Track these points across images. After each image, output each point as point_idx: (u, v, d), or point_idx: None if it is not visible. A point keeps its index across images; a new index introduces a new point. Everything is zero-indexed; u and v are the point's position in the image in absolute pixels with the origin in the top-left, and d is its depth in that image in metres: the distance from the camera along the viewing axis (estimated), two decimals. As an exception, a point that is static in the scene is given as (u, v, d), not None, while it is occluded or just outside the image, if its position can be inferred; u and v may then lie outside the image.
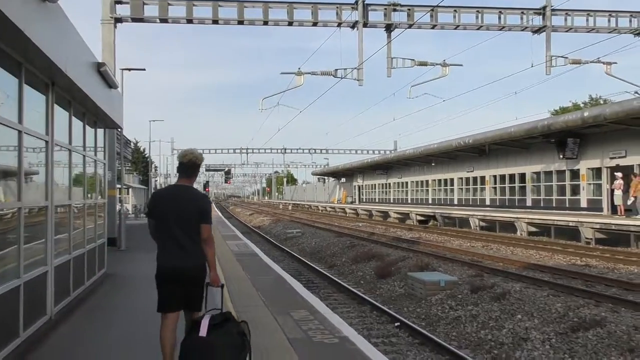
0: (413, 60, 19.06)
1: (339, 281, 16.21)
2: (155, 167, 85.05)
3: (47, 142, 6.80)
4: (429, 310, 12.01)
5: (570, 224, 23.01)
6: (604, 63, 19.21)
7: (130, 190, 51.93)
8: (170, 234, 4.83)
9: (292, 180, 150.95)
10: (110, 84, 9.33)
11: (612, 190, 25.49)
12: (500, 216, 28.81)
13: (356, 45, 18.03)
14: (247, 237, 25.67)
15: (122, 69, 17.83)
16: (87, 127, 9.38)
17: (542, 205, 31.76)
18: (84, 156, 8.93)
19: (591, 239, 21.67)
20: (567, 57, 18.72)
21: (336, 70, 18.85)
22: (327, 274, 17.59)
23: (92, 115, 9.60)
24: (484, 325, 10.47)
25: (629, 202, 23.03)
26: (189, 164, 5.01)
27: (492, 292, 11.79)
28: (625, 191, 23.35)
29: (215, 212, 54.95)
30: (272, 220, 47.23)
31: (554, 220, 24.40)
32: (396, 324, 11.17)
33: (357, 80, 18.44)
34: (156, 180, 75.71)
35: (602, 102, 64.98)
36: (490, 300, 11.39)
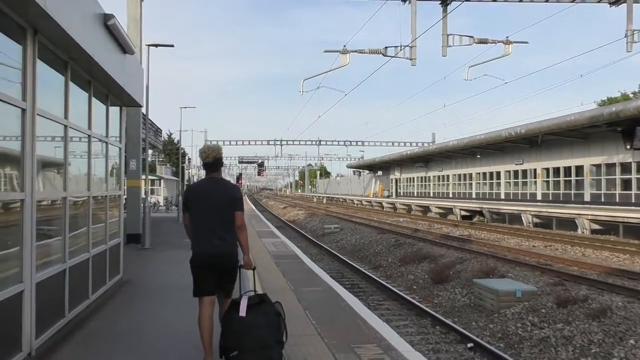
0: (472, 37, 16.86)
1: (389, 286, 14.25)
2: (189, 158, 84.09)
3: (23, 109, 4.93)
4: (505, 327, 9.94)
5: (645, 221, 20.55)
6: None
7: (162, 181, 50.73)
8: (206, 223, 5.14)
9: (325, 173, 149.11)
10: (123, 46, 7.44)
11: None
12: (557, 212, 26.38)
13: (408, 21, 15.95)
14: (282, 232, 23.87)
15: (149, 45, 16.05)
16: (96, 101, 7.57)
17: (602, 200, 29.16)
18: (89, 136, 7.12)
19: (670, 238, 19.22)
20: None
21: (386, 48, 16.74)
22: (374, 277, 15.66)
23: (102, 86, 7.79)
24: (584, 351, 8.37)
25: None
26: (214, 162, 5.33)
27: (585, 307, 9.65)
28: None
29: (248, 204, 53.47)
30: (306, 214, 45.44)
31: (623, 217, 21.95)
32: (469, 345, 9.17)
33: (410, 59, 16.30)
34: (189, 172, 74.63)
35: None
36: (585, 318, 9.26)
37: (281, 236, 18.52)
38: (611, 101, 62.91)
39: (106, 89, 7.97)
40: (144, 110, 16.57)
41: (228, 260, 5.16)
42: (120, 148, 9.16)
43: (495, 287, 11.03)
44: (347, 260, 19.03)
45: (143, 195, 16.77)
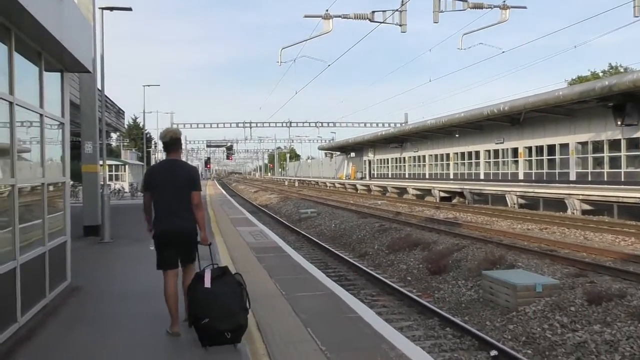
0: (466, 1, 15.24)
1: (381, 278, 12.75)
2: (155, 142, 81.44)
3: None
4: (528, 328, 8.48)
5: (642, 201, 19.40)
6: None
7: (127, 166, 48.34)
8: (166, 201, 5.55)
9: (295, 156, 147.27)
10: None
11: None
12: (545, 192, 25.20)
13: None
14: (257, 218, 22.16)
15: (102, 8, 14.00)
16: (22, 60, 5.77)
17: (589, 179, 28.08)
18: (10, 104, 5.29)
19: (670, 219, 18.11)
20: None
21: (373, 12, 14.97)
22: (362, 267, 14.15)
23: (32, 40, 5.97)
24: (635, 360, 6.96)
25: None
26: (172, 141, 5.74)
27: (625, 305, 8.23)
28: None
29: (219, 189, 51.44)
30: (279, 198, 43.71)
31: (617, 196, 20.81)
32: (492, 354, 7.70)
33: (399, 25, 14.65)
34: (155, 156, 72.02)
35: (622, 70, 61.02)
36: (628, 319, 7.84)
37: (258, 224, 16.81)
38: (582, 80, 62.28)
39: (38, 44, 6.14)
40: (99, 84, 14.61)
41: (188, 236, 5.59)
42: (62, 124, 7.30)
43: (512, 281, 9.55)
44: (330, 248, 17.49)
45: (102, 182, 14.85)
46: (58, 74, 7.29)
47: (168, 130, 5.82)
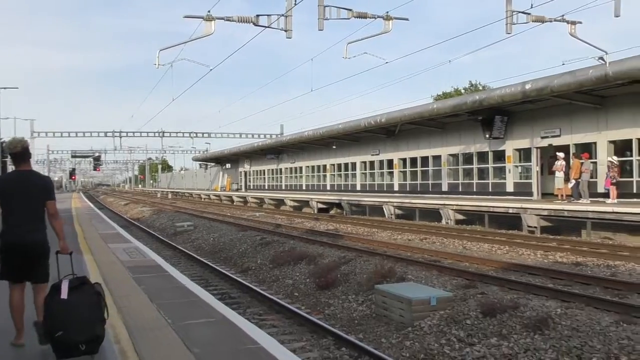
0: (350, 10, 15.09)
1: (267, 294, 12.11)
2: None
3: None
4: (425, 344, 8.22)
5: (510, 210, 20.39)
6: (568, 22, 16.53)
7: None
8: (18, 213, 5.35)
9: (167, 167, 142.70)
10: None
11: (548, 174, 23.45)
12: (421, 203, 25.90)
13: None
14: (129, 232, 20.64)
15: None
16: None
17: (460, 190, 29.28)
18: None
19: (535, 227, 19.16)
20: (529, 14, 15.81)
21: (257, 16, 14.30)
22: (245, 283, 13.44)
23: None
24: (535, 374, 6.88)
25: (570, 186, 20.85)
26: (23, 151, 5.56)
27: (518, 316, 8.21)
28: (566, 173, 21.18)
29: (85, 202, 48.14)
30: (152, 210, 41.69)
31: (488, 206, 21.76)
32: (394, 375, 7.35)
33: (285, 30, 14.10)
34: (12, 168, 66.21)
35: (480, 88, 65.18)
36: (523, 330, 7.80)
37: (133, 240, 15.48)
38: (446, 95, 65.72)
39: None
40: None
41: (40, 247, 5.44)
42: None
43: (406, 295, 9.29)
44: (209, 263, 16.60)
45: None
46: None
47: (17, 140, 5.70)
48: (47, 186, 5.58)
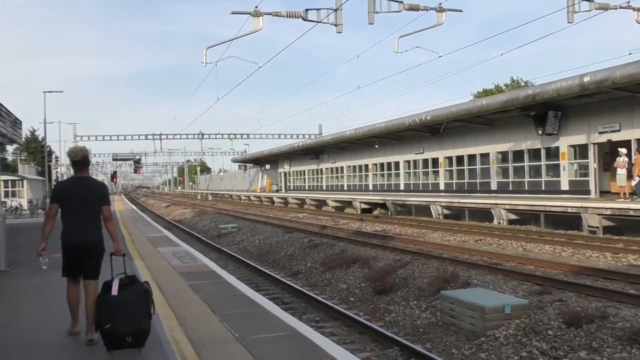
0: (401, 2, 14.42)
1: (321, 299, 11.59)
2: (56, 157, 76.53)
3: None
4: (503, 356, 7.57)
5: (569, 209, 19.40)
6: (634, 9, 15.57)
7: (24, 182, 44.50)
8: (76, 216, 5.81)
9: (205, 169, 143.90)
10: None
11: (603, 171, 22.35)
12: (471, 203, 25.01)
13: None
14: (175, 235, 20.35)
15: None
16: None
17: (510, 188, 28.26)
18: None
19: (597, 227, 18.13)
20: (592, 1, 14.89)
21: (307, 10, 13.76)
22: (297, 287, 12.94)
23: None
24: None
25: (633, 183, 19.73)
26: (83, 159, 6.06)
27: (609, 327, 7.47)
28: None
29: (128, 204, 48.56)
30: (194, 212, 41.72)
31: (544, 206, 20.79)
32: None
33: (335, 25, 13.57)
34: (57, 171, 67.42)
35: (522, 84, 63.40)
36: (617, 343, 7.07)
37: (182, 243, 15.14)
38: (486, 93, 64.17)
39: None
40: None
41: (96, 247, 5.85)
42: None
43: (477, 302, 8.62)
44: (257, 266, 16.18)
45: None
46: None
47: (78, 149, 6.20)
48: (102, 192, 6.07)
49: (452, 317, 9.12)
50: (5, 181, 40.12)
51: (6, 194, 38.97)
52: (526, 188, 27.28)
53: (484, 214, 23.97)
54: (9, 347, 5.73)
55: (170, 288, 8.19)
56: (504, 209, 22.54)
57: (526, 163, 27.56)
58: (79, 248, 5.78)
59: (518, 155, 28.03)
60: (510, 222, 22.35)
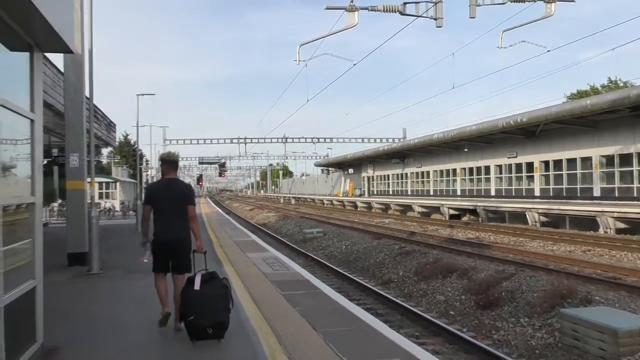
0: (506, -7, 13.39)
1: (421, 313, 10.73)
2: (147, 160, 79.16)
3: None
4: (644, 389, 6.45)
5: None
6: None
7: (118, 184, 46.05)
8: (166, 215, 6.37)
9: (288, 173, 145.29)
10: None
11: None
12: (572, 210, 23.28)
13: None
14: (261, 238, 20.03)
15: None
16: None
17: (616, 195, 26.18)
18: None
19: None
20: None
21: (404, 4, 12.97)
22: (391, 297, 12.13)
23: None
24: None
25: None
26: (174, 162, 6.77)
27: None
28: None
29: (213, 207, 49.27)
30: (277, 216, 41.61)
31: (659, 214, 18.93)
32: None
33: (435, 19, 12.73)
34: (147, 174, 69.70)
35: (621, 85, 59.43)
36: None
37: (270, 249, 14.69)
38: (581, 94, 60.71)
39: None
40: (88, 91, 12.55)
41: (182, 245, 6.38)
42: (32, 120, 5.24)
43: (608, 323, 7.53)
44: (346, 274, 15.47)
45: (90, 201, 12.76)
46: (26, 55, 5.26)
47: (170, 154, 6.85)
48: (189, 193, 6.65)
49: (575, 339, 8.06)
50: (100, 183, 41.53)
51: (100, 196, 40.35)
52: (635, 194, 25.14)
53: (586, 222, 22.24)
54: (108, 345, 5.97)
55: (265, 298, 7.63)
56: (612, 217, 20.76)
57: (635, 167, 25.38)
58: (167, 245, 6.31)
59: (625, 159, 25.88)
60: (619, 231, 20.56)
